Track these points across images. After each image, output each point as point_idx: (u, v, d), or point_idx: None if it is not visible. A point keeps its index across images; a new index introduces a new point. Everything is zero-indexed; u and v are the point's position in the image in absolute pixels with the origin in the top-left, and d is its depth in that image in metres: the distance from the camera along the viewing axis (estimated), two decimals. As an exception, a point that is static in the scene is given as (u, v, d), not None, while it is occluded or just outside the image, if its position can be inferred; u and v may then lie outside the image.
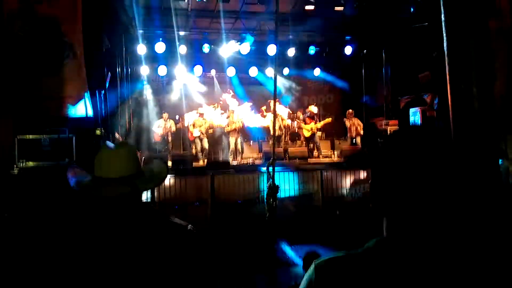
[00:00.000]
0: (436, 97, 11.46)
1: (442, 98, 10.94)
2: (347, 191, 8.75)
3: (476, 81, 2.26)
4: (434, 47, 10.94)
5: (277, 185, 4.86)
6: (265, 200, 4.96)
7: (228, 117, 11.82)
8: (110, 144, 1.60)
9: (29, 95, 5.60)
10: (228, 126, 11.63)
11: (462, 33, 2.22)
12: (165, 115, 11.78)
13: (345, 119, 12.45)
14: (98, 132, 7.21)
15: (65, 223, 1.55)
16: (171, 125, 11.71)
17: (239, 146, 11.57)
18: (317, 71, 14.99)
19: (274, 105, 5.08)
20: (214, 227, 7.45)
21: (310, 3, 10.45)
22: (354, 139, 12.16)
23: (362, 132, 12.04)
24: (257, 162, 11.26)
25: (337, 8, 11.10)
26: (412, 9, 10.80)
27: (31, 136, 6.41)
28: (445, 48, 2.33)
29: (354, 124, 12.08)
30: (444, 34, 2.30)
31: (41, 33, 5.47)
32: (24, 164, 6.39)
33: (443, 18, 2.32)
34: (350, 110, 12.48)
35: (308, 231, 7.21)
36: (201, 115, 11.59)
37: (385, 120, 12.73)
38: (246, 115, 12.23)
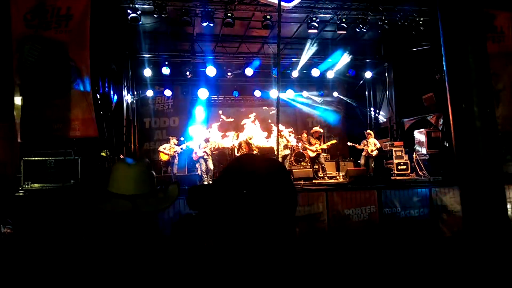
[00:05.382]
0: (441, 118, 11.47)
1: (447, 119, 10.95)
2: (353, 212, 8.65)
3: (477, 100, 2.25)
4: (437, 69, 11.05)
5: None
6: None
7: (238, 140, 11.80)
8: (128, 160, 1.64)
9: (36, 117, 5.69)
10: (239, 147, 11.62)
11: (461, 52, 2.24)
12: (174, 139, 11.81)
13: (362, 141, 12.13)
14: (103, 153, 7.27)
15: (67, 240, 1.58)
16: (176, 149, 11.65)
17: None
18: (321, 93, 15.10)
19: (278, 126, 5.12)
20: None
21: (314, 27, 10.63)
22: (366, 160, 11.94)
23: (374, 153, 11.80)
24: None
25: (339, 32, 11.29)
26: (413, 33, 10.94)
27: (36, 158, 6.47)
28: (444, 68, 2.35)
29: (369, 145, 11.88)
30: (443, 54, 2.33)
31: (49, 58, 5.60)
32: (29, 185, 6.42)
33: (442, 38, 2.35)
34: (369, 131, 12.31)
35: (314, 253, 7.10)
36: (207, 139, 11.61)
37: (390, 141, 12.71)
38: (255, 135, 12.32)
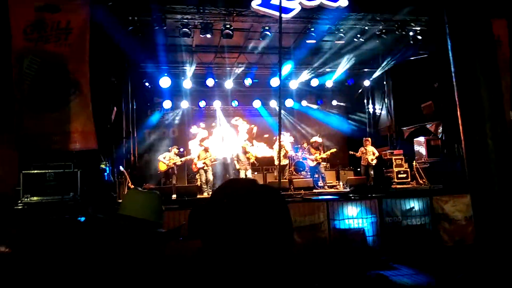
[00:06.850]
0: (440, 126, 11.47)
1: (446, 127, 10.96)
2: (354, 221, 8.60)
3: (491, 134, 2.18)
4: (435, 78, 11.10)
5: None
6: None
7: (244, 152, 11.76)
8: (139, 188, 1.77)
9: (35, 130, 5.68)
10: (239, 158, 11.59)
11: (474, 85, 2.18)
12: (175, 149, 11.77)
13: (360, 148, 12.13)
14: (103, 165, 7.25)
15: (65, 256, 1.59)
16: (176, 161, 11.59)
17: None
18: (320, 102, 15.15)
19: (279, 136, 5.09)
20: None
21: (312, 37, 10.70)
22: (366, 169, 11.92)
23: (374, 162, 11.78)
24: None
25: (337, 42, 11.37)
26: (411, 41, 11.01)
27: (36, 171, 6.45)
28: (456, 100, 2.30)
29: (368, 153, 11.86)
30: (455, 86, 2.29)
31: (49, 71, 5.62)
32: (28, 199, 6.39)
33: (453, 70, 2.31)
34: (367, 138, 12.32)
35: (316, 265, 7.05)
36: (206, 149, 11.58)
37: (390, 150, 12.70)
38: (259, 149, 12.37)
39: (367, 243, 8.30)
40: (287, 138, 12.61)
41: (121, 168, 9.78)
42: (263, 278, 0.90)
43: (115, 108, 9.97)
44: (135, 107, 12.94)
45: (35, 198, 6.43)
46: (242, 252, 0.90)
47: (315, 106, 15.36)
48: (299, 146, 13.33)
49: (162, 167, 11.41)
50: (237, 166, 11.50)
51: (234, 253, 0.90)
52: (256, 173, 12.61)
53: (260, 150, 12.90)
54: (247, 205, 0.93)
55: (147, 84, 12.81)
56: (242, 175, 11.34)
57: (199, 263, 0.95)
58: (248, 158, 11.58)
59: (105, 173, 7.65)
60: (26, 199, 6.41)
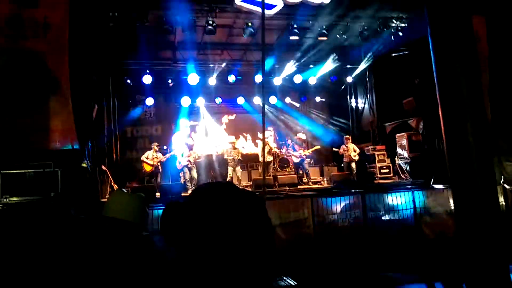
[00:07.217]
0: (421, 121, 11.68)
1: (427, 123, 11.16)
2: (338, 216, 8.70)
3: (472, 130, 2.22)
4: (415, 74, 11.29)
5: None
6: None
7: (232, 147, 11.68)
8: (124, 190, 1.79)
9: (13, 129, 5.54)
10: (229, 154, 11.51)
11: (455, 85, 2.21)
12: (155, 146, 11.62)
13: (341, 146, 12.24)
14: (84, 164, 7.13)
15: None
16: (160, 156, 11.51)
17: (238, 174, 11.41)
18: (304, 99, 15.21)
19: (263, 133, 5.09)
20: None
21: (295, 34, 10.73)
22: (348, 165, 12.02)
23: (356, 158, 11.87)
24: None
25: (320, 38, 11.41)
26: (393, 38, 11.16)
27: (15, 171, 6.30)
28: (438, 99, 2.33)
29: (349, 150, 11.98)
30: (437, 85, 2.32)
31: (27, 68, 5.48)
32: (8, 199, 6.24)
33: (434, 69, 2.34)
34: (347, 136, 12.41)
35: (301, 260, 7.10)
36: (191, 147, 11.51)
37: (372, 145, 12.86)
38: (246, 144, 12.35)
39: (351, 238, 8.41)
40: (270, 134, 12.60)
41: (102, 167, 9.63)
42: (243, 283, 0.89)
43: (96, 106, 9.79)
44: (116, 104, 12.74)
45: (14, 198, 6.28)
46: (220, 258, 0.88)
47: (298, 105, 15.40)
48: (283, 142, 13.38)
49: (148, 168, 11.27)
50: (231, 156, 11.35)
51: (212, 259, 0.88)
52: (241, 170, 12.58)
53: (247, 145, 12.89)
54: (226, 210, 0.92)
55: (128, 81, 12.61)
56: (230, 171, 11.29)
57: (178, 268, 0.93)
58: (234, 156, 11.53)
59: (87, 172, 7.51)
60: (5, 200, 6.24)
